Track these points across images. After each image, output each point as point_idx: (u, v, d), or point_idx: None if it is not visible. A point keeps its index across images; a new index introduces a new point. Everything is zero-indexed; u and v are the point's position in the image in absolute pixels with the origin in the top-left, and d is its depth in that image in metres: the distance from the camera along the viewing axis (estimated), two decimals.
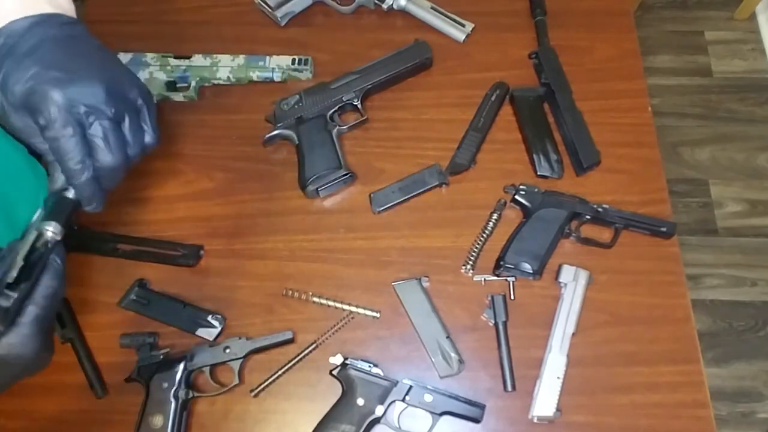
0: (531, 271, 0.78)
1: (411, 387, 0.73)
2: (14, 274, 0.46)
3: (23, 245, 0.48)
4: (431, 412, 0.73)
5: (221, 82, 0.93)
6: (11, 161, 0.75)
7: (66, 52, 0.52)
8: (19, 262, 0.47)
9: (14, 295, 0.46)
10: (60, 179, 0.54)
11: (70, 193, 0.53)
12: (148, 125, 0.57)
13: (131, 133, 0.54)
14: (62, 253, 0.52)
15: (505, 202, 0.84)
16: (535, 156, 0.86)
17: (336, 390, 0.74)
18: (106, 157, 0.52)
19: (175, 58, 0.93)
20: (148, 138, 0.57)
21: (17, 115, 0.51)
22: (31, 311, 0.48)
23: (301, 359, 0.77)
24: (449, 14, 0.95)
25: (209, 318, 0.78)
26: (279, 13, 0.96)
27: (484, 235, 0.82)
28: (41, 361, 0.50)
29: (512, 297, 0.79)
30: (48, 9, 0.53)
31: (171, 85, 0.92)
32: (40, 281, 0.49)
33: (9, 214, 0.66)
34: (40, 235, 0.50)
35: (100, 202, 0.55)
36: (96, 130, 0.51)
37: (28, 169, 0.77)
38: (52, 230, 0.50)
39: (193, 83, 0.92)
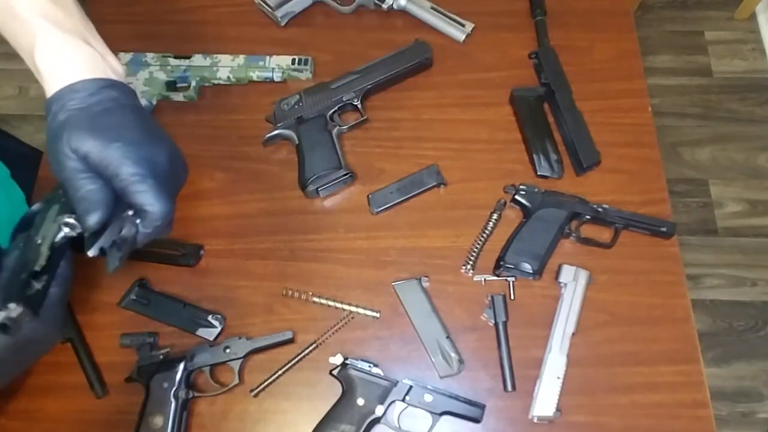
0: (531, 271, 0.79)
1: (411, 387, 0.73)
2: (42, 263, 0.51)
3: (47, 238, 0.52)
4: (431, 412, 0.73)
5: (221, 82, 0.93)
6: None
7: (136, 118, 0.55)
8: (46, 252, 0.51)
9: (42, 282, 0.51)
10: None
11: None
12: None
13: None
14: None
15: (505, 202, 0.84)
16: (535, 156, 0.86)
17: (336, 390, 0.74)
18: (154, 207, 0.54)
19: (175, 58, 0.93)
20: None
21: (73, 160, 0.52)
22: (54, 294, 0.54)
23: (301, 359, 0.77)
24: (449, 14, 0.95)
25: (209, 318, 0.78)
26: (279, 13, 0.96)
27: (484, 235, 0.82)
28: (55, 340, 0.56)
29: (512, 297, 0.79)
30: (113, 76, 0.56)
31: (171, 85, 0.92)
32: (59, 267, 0.54)
33: None
34: (59, 227, 0.53)
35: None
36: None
37: (2, 191, 0.78)
38: (72, 221, 0.53)
39: (193, 83, 0.92)
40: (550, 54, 0.91)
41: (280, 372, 0.77)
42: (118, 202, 0.52)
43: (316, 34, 0.98)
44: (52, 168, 0.52)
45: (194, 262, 0.82)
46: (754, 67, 1.95)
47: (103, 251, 0.51)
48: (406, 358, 0.77)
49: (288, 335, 0.77)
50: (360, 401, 0.72)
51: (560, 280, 0.79)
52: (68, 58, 0.54)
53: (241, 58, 0.92)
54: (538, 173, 0.85)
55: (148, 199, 0.51)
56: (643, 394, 0.75)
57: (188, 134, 0.92)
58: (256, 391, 0.76)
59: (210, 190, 0.88)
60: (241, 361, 0.76)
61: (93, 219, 0.50)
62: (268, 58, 0.92)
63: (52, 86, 0.53)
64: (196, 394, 0.75)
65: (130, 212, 0.52)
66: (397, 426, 0.73)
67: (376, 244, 0.83)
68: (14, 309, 0.48)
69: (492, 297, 0.78)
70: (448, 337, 0.76)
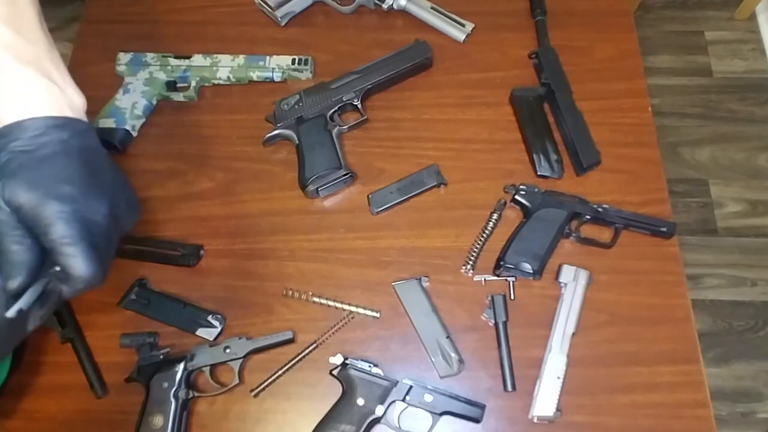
0: (531, 271, 0.79)
1: (411, 387, 0.73)
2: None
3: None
4: (431, 412, 0.73)
5: (221, 82, 0.93)
6: None
7: (81, 166, 0.51)
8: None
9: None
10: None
11: None
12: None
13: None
14: None
15: (505, 202, 0.84)
16: (535, 156, 0.86)
17: (336, 390, 0.74)
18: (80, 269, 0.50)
19: (175, 58, 0.93)
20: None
21: (4, 212, 0.49)
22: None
23: (301, 359, 0.77)
24: (449, 14, 0.95)
25: (209, 318, 0.78)
26: (279, 13, 0.96)
27: (484, 235, 0.82)
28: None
29: (512, 297, 0.79)
30: (68, 113, 0.52)
31: (171, 85, 0.92)
32: None
33: None
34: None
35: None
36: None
37: None
38: None
39: (193, 83, 0.92)
40: (550, 54, 0.91)
41: (280, 372, 0.77)
42: (46, 258, 0.49)
43: (316, 34, 0.98)
44: None
45: (194, 262, 0.82)
46: (754, 67, 1.95)
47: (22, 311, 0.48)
48: (406, 358, 0.77)
49: (288, 335, 0.77)
50: (360, 401, 0.72)
51: (560, 280, 0.79)
52: (21, 92, 0.51)
53: (241, 58, 0.92)
54: (538, 173, 0.85)
55: (76, 263, 0.48)
56: (643, 394, 0.75)
57: (188, 134, 0.92)
58: (256, 391, 0.76)
59: (210, 190, 0.88)
60: (241, 361, 0.76)
61: (14, 284, 0.48)
62: (268, 58, 0.92)
63: (1, 118, 0.50)
64: (196, 394, 0.75)
65: (57, 268, 0.49)
66: (397, 426, 0.73)
67: (376, 244, 0.83)
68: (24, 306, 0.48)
69: (492, 297, 0.78)
70: (448, 337, 0.76)
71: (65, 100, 0.53)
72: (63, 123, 0.51)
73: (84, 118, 0.54)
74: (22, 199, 0.48)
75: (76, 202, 0.49)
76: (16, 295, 0.48)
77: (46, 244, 0.49)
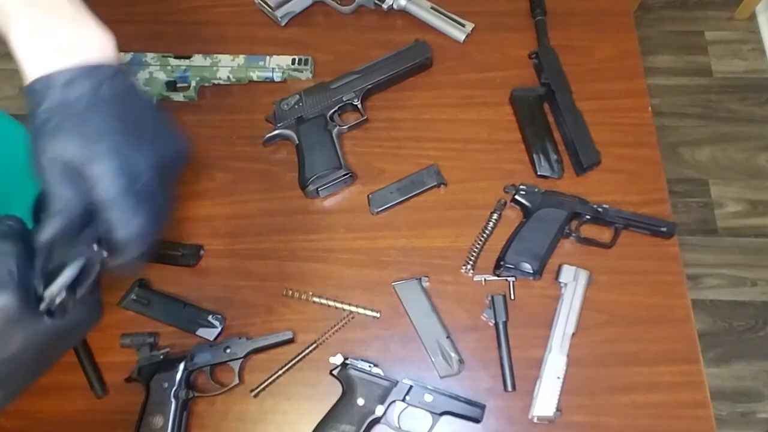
0: (531, 271, 0.79)
1: (411, 387, 0.73)
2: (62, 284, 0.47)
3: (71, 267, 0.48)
4: (431, 412, 0.73)
5: (221, 82, 0.93)
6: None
7: (119, 118, 0.50)
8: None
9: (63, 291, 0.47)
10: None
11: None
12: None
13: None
14: None
15: (505, 202, 0.84)
16: (535, 156, 0.86)
17: (336, 390, 0.74)
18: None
19: (175, 58, 0.93)
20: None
21: (53, 168, 0.47)
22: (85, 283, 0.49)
23: (301, 359, 0.77)
24: (449, 14, 0.95)
25: (209, 318, 0.78)
26: (279, 13, 0.96)
27: (484, 235, 0.82)
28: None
29: (512, 297, 0.79)
30: (96, 58, 0.50)
31: (171, 85, 0.92)
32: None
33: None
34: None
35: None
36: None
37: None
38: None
39: (193, 83, 0.92)
40: (550, 54, 0.91)
41: (280, 372, 0.77)
42: (86, 228, 0.48)
43: (316, 34, 0.98)
44: (32, 167, 0.48)
45: (194, 262, 0.82)
46: (754, 67, 1.95)
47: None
48: (406, 358, 0.77)
49: (288, 335, 0.77)
50: (360, 401, 0.72)
51: (560, 280, 0.79)
52: (44, 43, 0.49)
53: (241, 58, 0.92)
54: (538, 173, 0.85)
55: (122, 221, 0.48)
56: (643, 394, 0.75)
57: (188, 134, 0.91)
58: (256, 391, 0.76)
59: (210, 190, 0.88)
60: (241, 361, 0.76)
61: (46, 234, 0.46)
62: (268, 58, 0.92)
63: (29, 73, 0.48)
64: (196, 394, 0.75)
65: (96, 247, 0.48)
66: (397, 426, 0.73)
67: (376, 244, 0.83)
68: (59, 293, 0.47)
69: (492, 297, 0.78)
70: (448, 337, 0.76)
71: (92, 44, 0.50)
72: (92, 70, 0.49)
73: (115, 59, 0.52)
74: (68, 155, 0.47)
75: (120, 157, 0.48)
76: (52, 275, 0.47)
77: (92, 201, 0.47)
